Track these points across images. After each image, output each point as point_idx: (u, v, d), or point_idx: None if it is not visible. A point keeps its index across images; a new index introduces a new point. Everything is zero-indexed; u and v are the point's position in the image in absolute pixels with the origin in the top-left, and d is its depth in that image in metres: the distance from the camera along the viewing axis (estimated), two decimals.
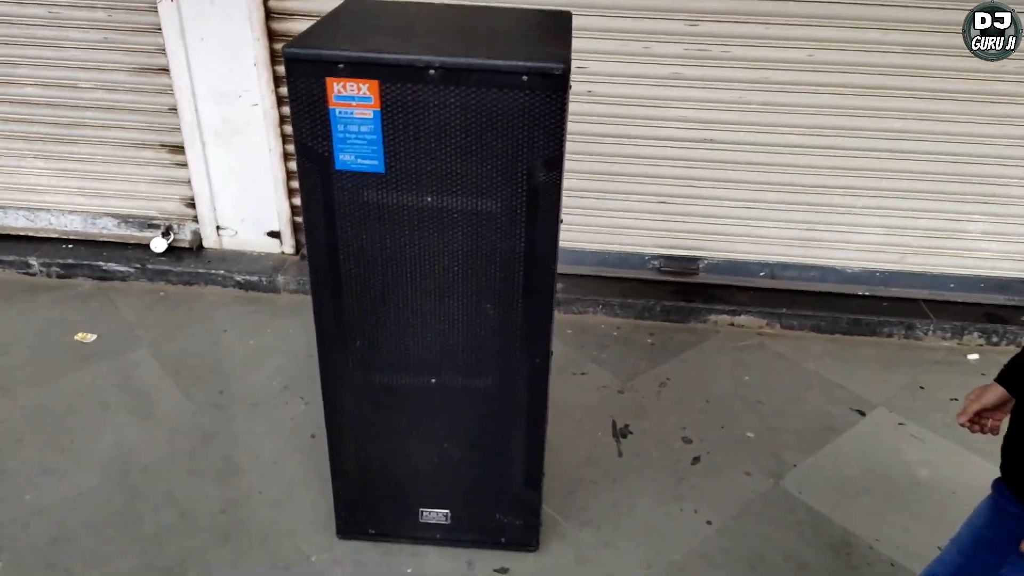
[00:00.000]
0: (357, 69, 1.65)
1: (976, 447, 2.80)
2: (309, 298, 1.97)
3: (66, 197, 3.87)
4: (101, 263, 3.76)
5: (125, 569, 2.28)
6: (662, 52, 3.25)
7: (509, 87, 1.65)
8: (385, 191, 1.79)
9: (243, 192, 3.72)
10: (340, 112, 1.69)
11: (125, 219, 3.90)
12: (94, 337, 3.32)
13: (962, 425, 1.66)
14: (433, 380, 2.06)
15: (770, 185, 3.50)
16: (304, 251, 3.83)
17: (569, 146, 1.78)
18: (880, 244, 3.61)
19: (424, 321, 1.97)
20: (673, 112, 3.37)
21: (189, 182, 3.75)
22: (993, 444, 1.61)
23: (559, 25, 1.99)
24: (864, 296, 3.69)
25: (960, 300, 3.67)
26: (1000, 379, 1.60)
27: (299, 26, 3.29)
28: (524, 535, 2.34)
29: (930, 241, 3.59)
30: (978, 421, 1.65)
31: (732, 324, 3.60)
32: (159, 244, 3.82)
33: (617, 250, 3.73)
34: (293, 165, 3.62)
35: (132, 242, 3.88)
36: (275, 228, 3.81)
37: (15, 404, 2.91)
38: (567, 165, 1.78)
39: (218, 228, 3.84)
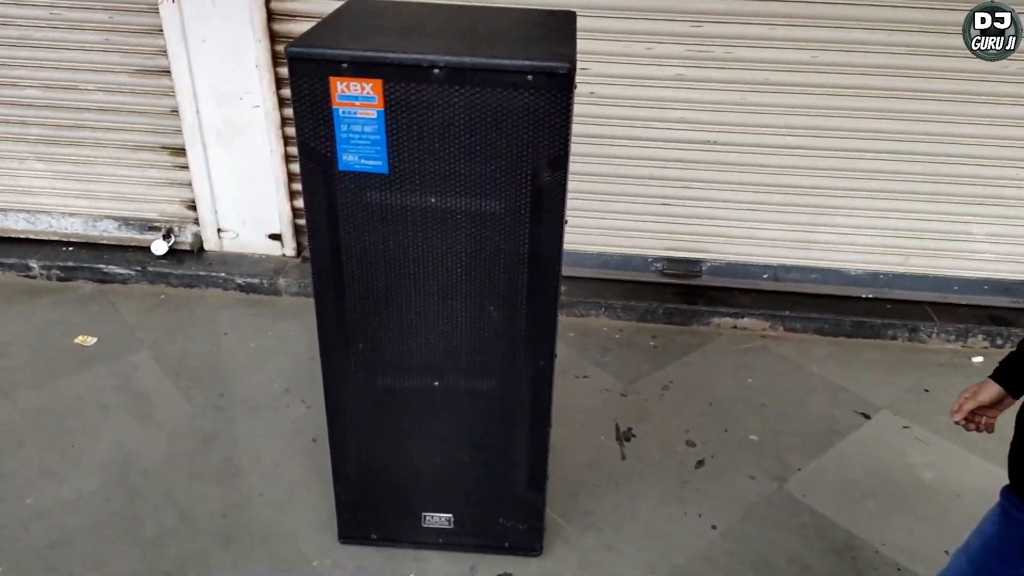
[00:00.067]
0: (361, 68, 1.64)
1: (981, 450, 2.79)
2: (310, 301, 1.96)
3: (66, 199, 3.86)
4: (102, 266, 3.74)
5: (125, 572, 2.26)
6: (665, 53, 3.24)
7: (514, 87, 1.64)
8: (388, 192, 1.78)
9: (244, 194, 3.71)
10: (343, 112, 1.68)
11: (126, 221, 3.89)
12: (94, 340, 3.30)
13: (957, 423, 1.64)
14: (436, 382, 2.05)
15: (773, 187, 3.49)
16: (306, 253, 3.83)
17: (571, 148, 1.77)
18: (884, 246, 3.60)
19: (427, 323, 1.95)
20: (676, 114, 3.36)
21: (190, 184, 3.74)
22: (997, 445, 1.59)
23: (564, 25, 1.98)
24: (868, 298, 3.68)
25: (964, 302, 3.65)
26: (995, 376, 1.59)
27: (301, 27, 3.28)
28: (528, 539, 2.32)
29: (934, 243, 3.58)
30: (972, 419, 1.64)
31: (735, 327, 3.59)
32: (160, 247, 3.81)
33: (619, 252, 3.72)
34: (294, 167, 3.61)
35: (133, 245, 3.86)
36: (276, 230, 3.80)
37: (15, 407, 2.90)
38: (569, 167, 1.77)
39: (219, 230, 3.83)
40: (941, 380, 3.30)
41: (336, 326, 1.97)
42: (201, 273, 3.73)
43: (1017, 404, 1.54)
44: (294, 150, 3.54)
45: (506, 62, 1.62)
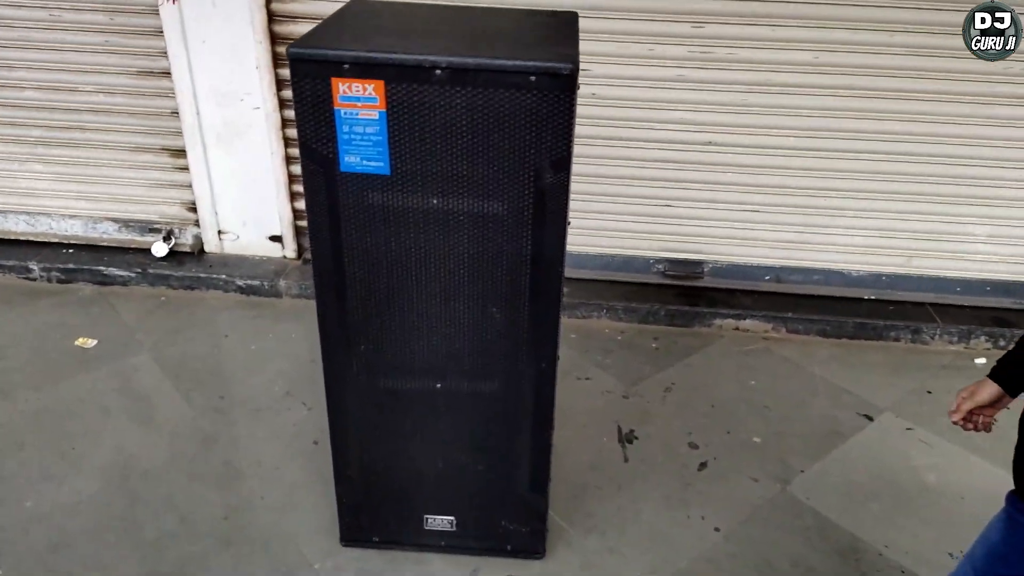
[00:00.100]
0: (363, 69, 1.63)
1: (984, 451, 2.78)
2: (311, 303, 1.96)
3: (66, 201, 3.85)
4: (102, 268, 3.74)
5: (125, 575, 2.25)
6: (667, 55, 3.23)
7: (517, 87, 1.63)
8: (390, 193, 1.77)
9: (245, 196, 3.71)
10: (345, 113, 1.68)
11: (126, 223, 3.88)
12: (95, 342, 3.29)
13: (955, 423, 1.63)
14: (438, 384, 2.04)
15: (774, 188, 3.48)
16: (306, 255, 3.82)
17: (574, 149, 1.76)
18: (886, 248, 3.60)
19: (429, 324, 1.95)
20: (677, 115, 3.35)
21: (190, 186, 3.73)
22: (1000, 447, 1.58)
23: (566, 26, 1.97)
24: (870, 300, 3.67)
25: (967, 304, 3.64)
26: (993, 375, 1.58)
27: (301, 29, 3.28)
28: (530, 542, 2.31)
29: (936, 244, 3.57)
30: (970, 419, 1.63)
31: (737, 328, 3.58)
32: (160, 248, 3.80)
33: (621, 254, 3.71)
34: (295, 169, 3.60)
35: (133, 247, 3.86)
36: (277, 232, 3.79)
37: (15, 409, 2.89)
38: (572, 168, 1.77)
39: (219, 232, 3.82)
40: (944, 382, 3.28)
41: (338, 328, 1.96)
42: (201, 275, 3.72)
43: (1018, 406, 1.53)
44: (295, 152, 3.53)
45: (508, 63, 1.61)
